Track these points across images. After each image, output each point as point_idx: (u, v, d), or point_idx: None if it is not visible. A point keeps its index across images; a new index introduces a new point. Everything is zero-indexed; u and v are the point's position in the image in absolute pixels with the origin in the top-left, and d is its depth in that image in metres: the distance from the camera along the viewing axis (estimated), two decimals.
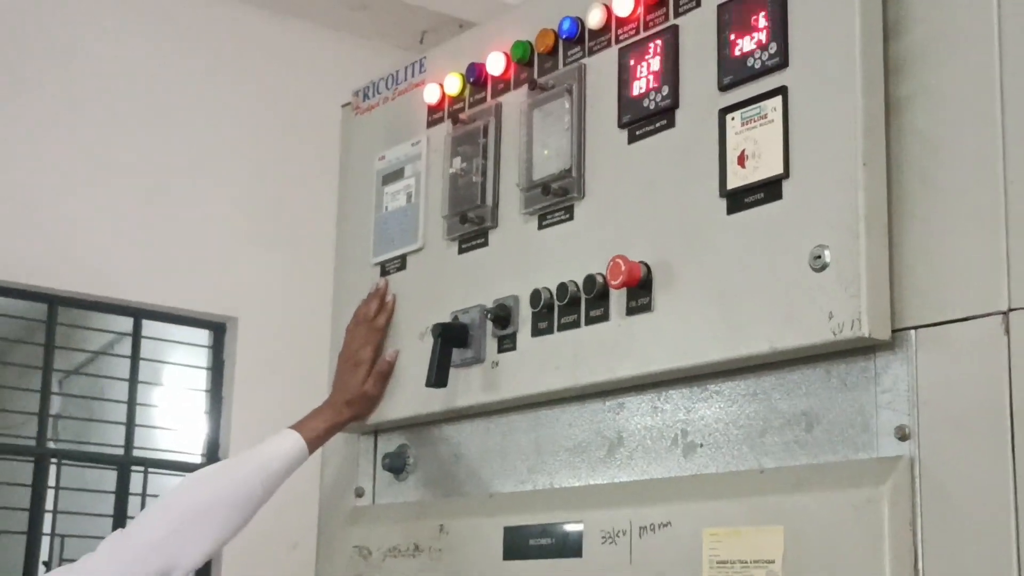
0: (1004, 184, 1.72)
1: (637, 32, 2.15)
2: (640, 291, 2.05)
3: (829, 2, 1.87)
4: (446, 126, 2.50)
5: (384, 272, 2.59)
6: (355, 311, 2.56)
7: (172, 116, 4.47)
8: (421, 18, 4.63)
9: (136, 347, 4.55)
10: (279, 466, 2.35)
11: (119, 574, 2.16)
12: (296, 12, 4.67)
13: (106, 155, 4.32)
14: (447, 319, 2.38)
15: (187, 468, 4.57)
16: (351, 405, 2.48)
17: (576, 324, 2.16)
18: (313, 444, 2.41)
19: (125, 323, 4.59)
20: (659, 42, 2.10)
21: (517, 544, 2.19)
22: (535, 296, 2.22)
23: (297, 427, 2.41)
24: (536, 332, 2.23)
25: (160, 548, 2.21)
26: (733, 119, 1.96)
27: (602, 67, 2.20)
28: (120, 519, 4.40)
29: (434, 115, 2.55)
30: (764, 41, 1.93)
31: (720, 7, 2.01)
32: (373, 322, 2.52)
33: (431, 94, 2.54)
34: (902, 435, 1.77)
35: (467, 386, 2.36)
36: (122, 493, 4.47)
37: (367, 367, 2.49)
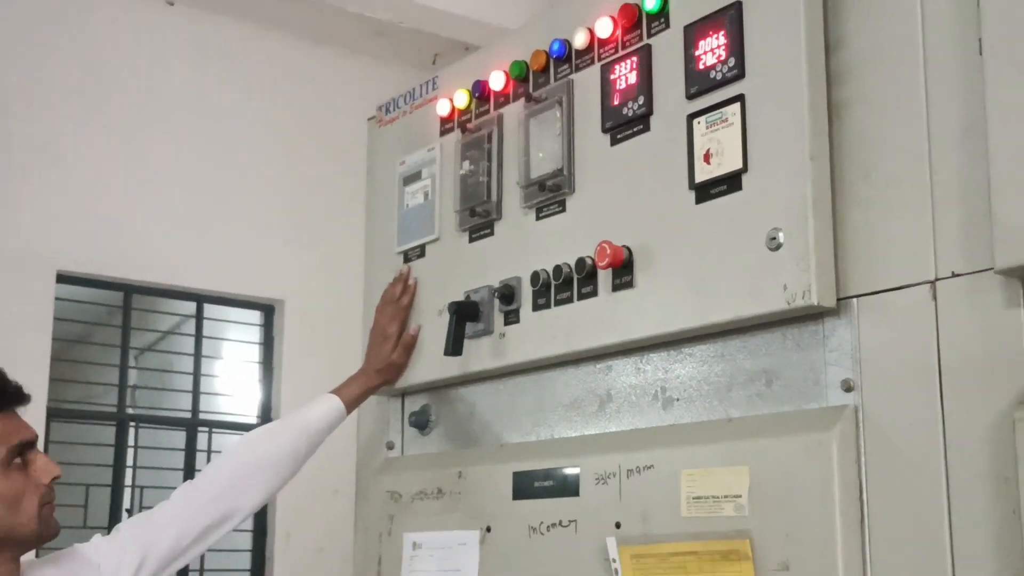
0: (930, 173, 1.72)
1: (616, 51, 2.15)
2: (623, 271, 2.05)
3: (778, 21, 1.86)
4: (456, 134, 2.49)
5: (407, 259, 2.59)
6: (383, 293, 2.56)
7: (227, 133, 4.48)
8: (433, 43, 4.62)
9: (199, 327, 4.56)
10: (321, 425, 2.35)
11: (189, 518, 2.16)
12: (327, 40, 4.67)
13: (171, 167, 4.33)
14: (461, 298, 2.38)
15: (245, 428, 4.58)
16: (381, 372, 2.47)
17: (570, 300, 2.16)
18: (350, 406, 2.42)
19: (189, 307, 4.60)
20: (635, 59, 2.09)
21: (524, 486, 2.20)
22: (535, 277, 2.22)
23: (336, 392, 2.41)
24: (536, 307, 2.23)
25: (223, 496, 2.21)
26: (699, 123, 1.96)
27: (587, 81, 2.20)
28: (189, 472, 4.42)
29: (446, 125, 2.54)
30: (724, 56, 1.93)
31: (686, 28, 2.01)
32: (398, 302, 2.51)
33: (443, 107, 2.54)
34: (847, 387, 1.77)
35: (479, 354, 2.36)
36: (190, 450, 4.49)
37: (394, 340, 2.49)
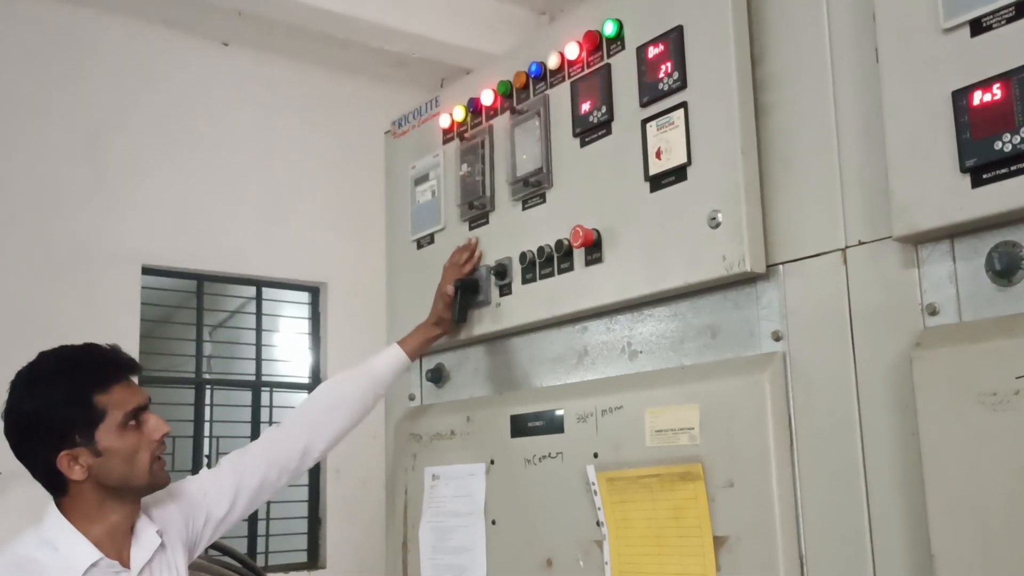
0: (838, 162, 1.70)
1: (582, 70, 2.12)
2: (594, 249, 2.04)
3: (713, 41, 1.84)
4: (456, 143, 2.47)
5: (420, 246, 2.57)
6: (450, 256, 2.40)
7: (276, 148, 4.48)
8: (441, 69, 4.61)
9: (259, 306, 4.57)
10: (386, 371, 2.29)
11: (274, 455, 2.12)
12: (355, 70, 4.66)
13: (232, 178, 4.33)
14: (464, 276, 2.36)
15: (299, 386, 4.60)
16: (438, 324, 2.36)
17: (552, 274, 2.15)
18: (413, 354, 2.34)
19: (250, 290, 4.61)
20: (598, 76, 2.07)
21: (520, 426, 2.19)
22: (523, 256, 2.21)
23: (400, 342, 2.34)
24: (525, 281, 2.22)
25: (301, 435, 2.16)
26: (651, 126, 1.94)
27: (560, 95, 2.18)
28: (255, 424, 4.44)
29: (447, 135, 2.52)
30: (669, 71, 1.91)
31: (638, 49, 1.98)
32: (461, 267, 2.36)
33: (444, 121, 2.52)
34: (777, 337, 1.77)
35: (480, 321, 2.35)
36: (256, 406, 4.51)
37: (449, 298, 2.35)
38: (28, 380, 1.80)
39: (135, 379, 1.88)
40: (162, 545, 1.88)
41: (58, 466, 1.76)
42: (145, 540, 1.86)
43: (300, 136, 4.55)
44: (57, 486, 1.81)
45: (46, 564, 1.74)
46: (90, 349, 1.86)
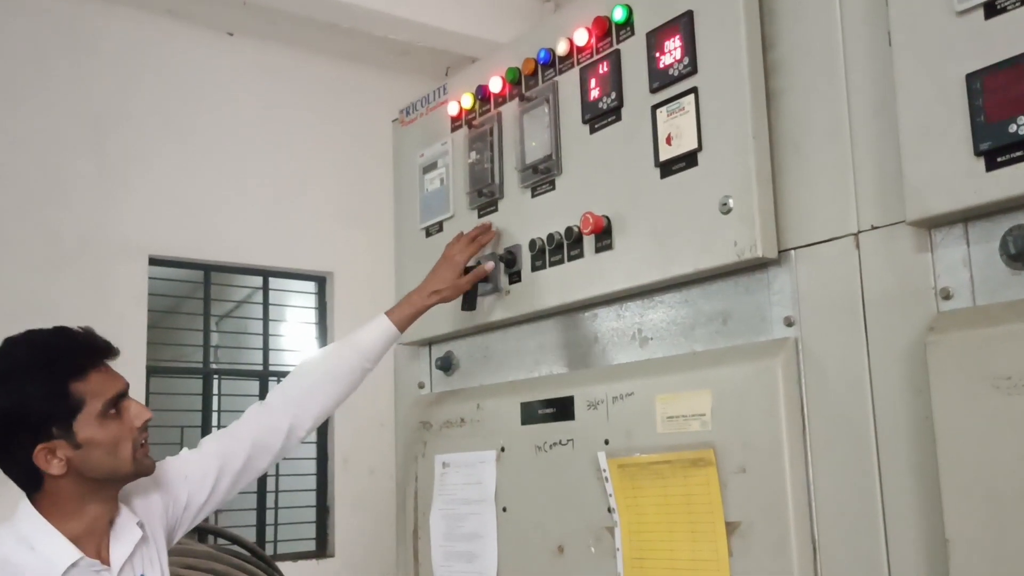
0: (850, 145, 1.70)
1: (591, 56, 2.11)
2: (604, 236, 2.03)
3: (723, 26, 1.83)
4: (464, 130, 2.46)
5: (428, 234, 2.56)
6: (459, 234, 2.36)
7: (283, 137, 4.47)
8: (446, 58, 4.60)
9: (266, 296, 4.57)
10: (372, 344, 2.18)
11: (260, 434, 2.05)
12: (361, 60, 4.65)
13: (238, 168, 4.32)
14: (473, 264, 2.35)
15: None
16: (438, 293, 2.24)
17: (561, 261, 2.14)
18: (401, 325, 2.21)
19: (257, 280, 4.61)
20: (607, 62, 2.06)
21: (530, 413, 2.19)
22: (532, 244, 2.20)
23: (388, 312, 2.22)
24: (534, 268, 2.21)
25: (287, 409, 2.08)
26: (661, 112, 1.93)
27: (569, 82, 2.17)
28: None
29: (455, 123, 2.51)
30: (679, 56, 1.90)
31: (648, 34, 1.98)
32: (474, 240, 2.30)
33: (452, 109, 2.51)
34: (789, 323, 1.76)
35: (490, 308, 2.34)
36: (263, 395, 4.49)
37: (459, 268, 2.27)
38: None
39: (111, 364, 1.77)
40: (143, 538, 1.79)
41: (34, 461, 1.66)
42: (125, 534, 1.76)
43: (305, 125, 4.54)
44: (32, 482, 1.70)
45: (23, 566, 1.64)
46: (62, 334, 1.73)
